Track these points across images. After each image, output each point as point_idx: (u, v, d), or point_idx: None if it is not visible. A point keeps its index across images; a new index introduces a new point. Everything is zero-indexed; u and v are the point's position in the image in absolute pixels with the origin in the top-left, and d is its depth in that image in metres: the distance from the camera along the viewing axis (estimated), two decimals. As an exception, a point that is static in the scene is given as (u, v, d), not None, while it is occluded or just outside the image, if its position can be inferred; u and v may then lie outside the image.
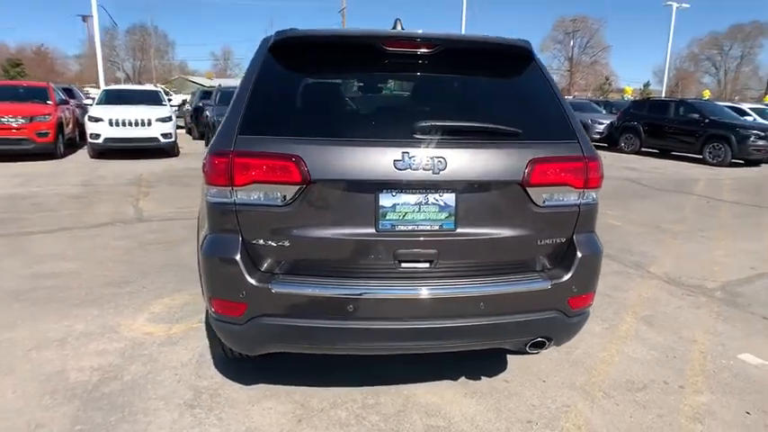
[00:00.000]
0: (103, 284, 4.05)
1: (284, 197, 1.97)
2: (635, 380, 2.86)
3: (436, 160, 1.96)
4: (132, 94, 13.26)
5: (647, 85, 52.89)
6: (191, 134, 17.72)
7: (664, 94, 32.07)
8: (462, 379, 2.82)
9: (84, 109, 14.38)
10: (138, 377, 2.75)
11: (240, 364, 2.85)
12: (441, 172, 1.96)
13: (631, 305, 3.89)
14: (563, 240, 2.19)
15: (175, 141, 12.17)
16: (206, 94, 16.77)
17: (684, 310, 3.85)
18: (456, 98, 2.34)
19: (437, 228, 2.03)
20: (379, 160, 1.95)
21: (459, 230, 2.05)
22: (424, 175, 1.96)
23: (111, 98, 12.47)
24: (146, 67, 65.13)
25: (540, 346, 2.28)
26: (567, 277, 2.14)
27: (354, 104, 2.20)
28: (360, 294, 1.99)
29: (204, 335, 3.25)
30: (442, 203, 2.02)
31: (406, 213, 2.01)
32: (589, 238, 2.24)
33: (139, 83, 47.85)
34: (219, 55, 79.14)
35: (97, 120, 11.18)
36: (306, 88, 2.27)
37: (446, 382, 2.78)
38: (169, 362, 2.92)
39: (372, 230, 2.01)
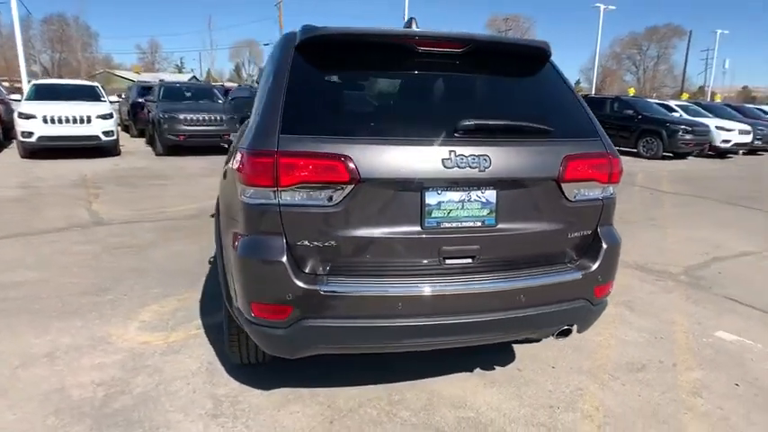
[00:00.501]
0: (78, 293, 3.80)
1: (331, 197, 1.94)
2: (633, 361, 3.06)
3: (481, 158, 2.00)
4: (66, 88, 12.34)
5: (577, 82, 55.78)
6: (128, 131, 16.80)
7: (593, 92, 33.97)
8: (478, 370, 2.89)
9: (6, 105, 13.29)
10: (148, 389, 2.61)
11: (254, 370, 2.77)
12: (486, 170, 2.01)
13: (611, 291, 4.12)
14: (589, 233, 2.31)
15: (117, 139, 11.50)
16: (145, 89, 15.93)
17: (658, 295, 4.14)
18: (490, 97, 2.39)
19: (479, 224, 2.08)
20: (427, 159, 1.96)
21: (499, 226, 2.11)
22: (470, 172, 2.00)
23: (43, 93, 11.54)
24: (66, 60, 60.78)
25: (566, 333, 2.39)
26: (594, 267, 2.26)
27: (394, 103, 2.20)
28: (409, 292, 2.00)
29: (206, 341, 3.13)
30: (483, 200, 2.07)
31: (450, 211, 2.04)
32: (610, 230, 2.37)
33: (60, 77, 44.52)
34: (146, 48, 75.51)
35: (29, 116, 10.34)
36: (342, 87, 2.24)
37: (463, 374, 2.85)
38: (177, 371, 2.79)
39: (418, 228, 2.03)
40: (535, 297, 2.15)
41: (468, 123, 2.02)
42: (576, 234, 2.26)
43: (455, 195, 2.04)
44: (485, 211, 2.08)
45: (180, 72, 70.42)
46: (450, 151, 1.98)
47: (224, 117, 11.82)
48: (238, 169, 2.05)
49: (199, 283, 4.10)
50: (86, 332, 3.20)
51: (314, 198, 1.94)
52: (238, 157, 2.09)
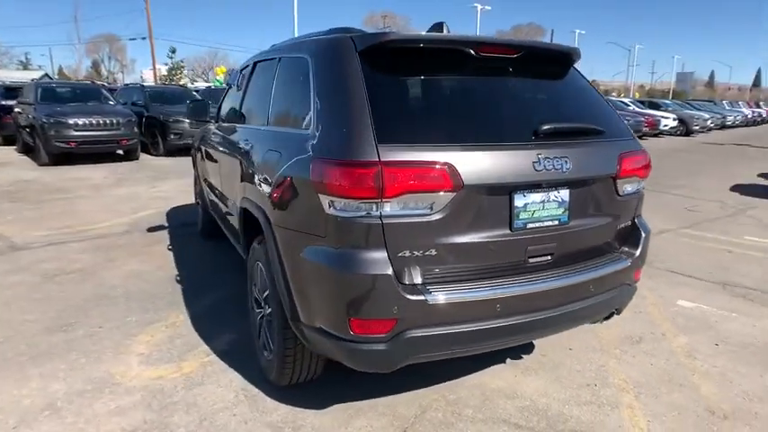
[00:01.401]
0: (41, 331, 3.29)
1: (433, 206, 1.93)
2: (631, 335, 3.41)
3: (563, 160, 2.12)
4: None
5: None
6: (-12, 139, 14.54)
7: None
8: (509, 360, 3.04)
9: None
10: (193, 428, 2.37)
11: (297, 390, 2.64)
12: (567, 171, 2.13)
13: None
14: (629, 224, 2.54)
15: (-11, 149, 9.93)
16: (9, 90, 13.91)
17: (615, 273, 4.62)
18: (551, 100, 2.51)
19: (557, 222, 2.20)
20: (519, 162, 2.03)
21: (571, 223, 2.24)
22: (554, 174, 2.11)
23: None
24: None
25: (610, 316, 2.61)
26: (637, 254, 2.50)
27: (476, 108, 2.20)
28: (506, 293, 2.05)
29: (227, 367, 2.90)
30: (560, 200, 2.19)
31: (534, 212, 2.13)
32: (642, 221, 2.63)
33: None
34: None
35: None
36: (422, 93, 2.20)
37: (498, 366, 2.97)
38: (214, 404, 2.56)
39: (507, 230, 2.09)
40: (600, 286, 2.33)
41: (552, 126, 2.12)
42: (622, 225, 2.48)
43: (537, 197, 2.13)
44: (560, 210, 2.20)
45: (26, 69, 62.10)
46: (538, 154, 2.07)
47: (120, 120, 10.76)
48: (325, 181, 1.94)
49: (177, 304, 3.75)
50: (80, 375, 2.79)
51: (416, 207, 1.92)
52: (317, 167, 1.98)
